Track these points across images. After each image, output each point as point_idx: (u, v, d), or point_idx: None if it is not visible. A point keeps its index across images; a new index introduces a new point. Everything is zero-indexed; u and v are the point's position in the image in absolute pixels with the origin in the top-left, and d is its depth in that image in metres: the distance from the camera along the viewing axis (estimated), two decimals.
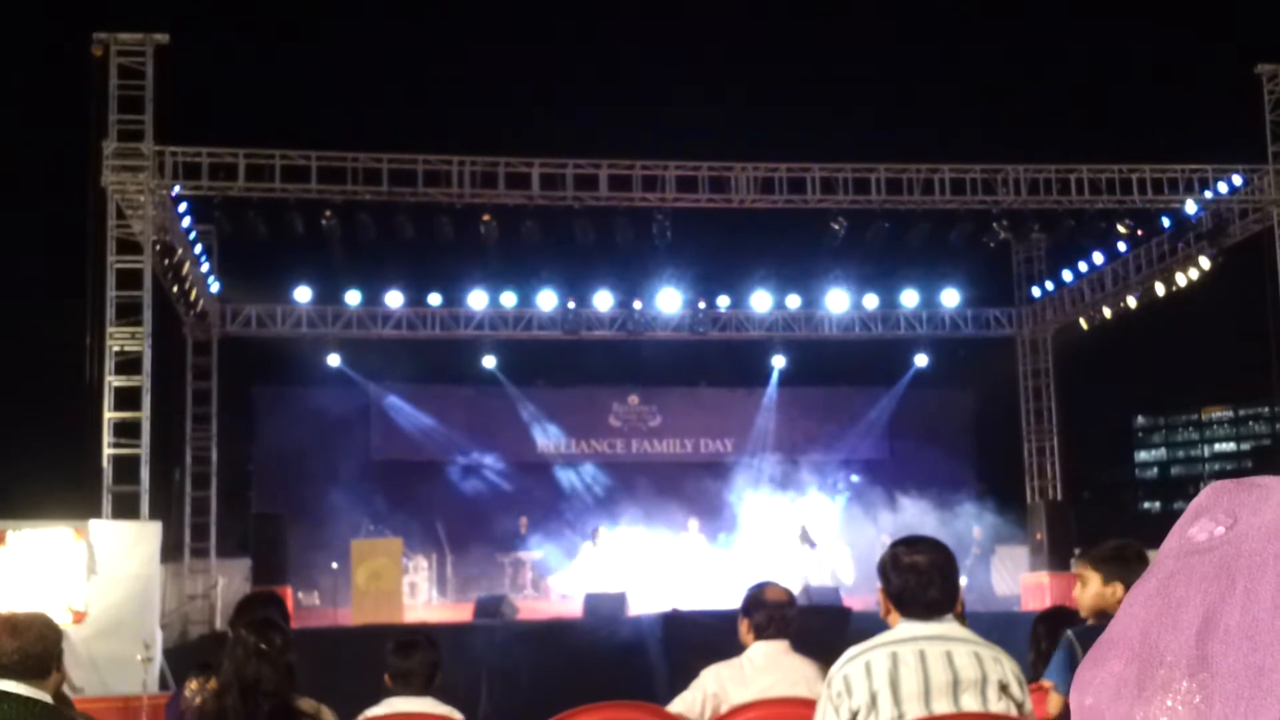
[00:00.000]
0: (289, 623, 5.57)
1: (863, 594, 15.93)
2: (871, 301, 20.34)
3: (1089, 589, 4.48)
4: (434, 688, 4.69)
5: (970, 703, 3.35)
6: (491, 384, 21.21)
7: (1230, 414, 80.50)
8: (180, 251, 16.19)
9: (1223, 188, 16.87)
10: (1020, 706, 3.42)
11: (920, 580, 3.43)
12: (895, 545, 3.57)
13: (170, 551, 15.68)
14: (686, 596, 16.42)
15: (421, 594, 18.05)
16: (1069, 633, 4.48)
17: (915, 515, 18.26)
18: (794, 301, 20.32)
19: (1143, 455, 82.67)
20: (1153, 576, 0.63)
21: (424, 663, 4.65)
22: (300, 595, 17.74)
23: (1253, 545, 0.60)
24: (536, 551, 19.01)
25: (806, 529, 17.99)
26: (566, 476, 21.65)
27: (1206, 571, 0.60)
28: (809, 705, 4.00)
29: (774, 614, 4.79)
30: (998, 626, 10.64)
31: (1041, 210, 16.94)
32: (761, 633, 4.76)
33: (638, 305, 19.82)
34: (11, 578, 12.28)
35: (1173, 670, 0.58)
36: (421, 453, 21.18)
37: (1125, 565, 4.41)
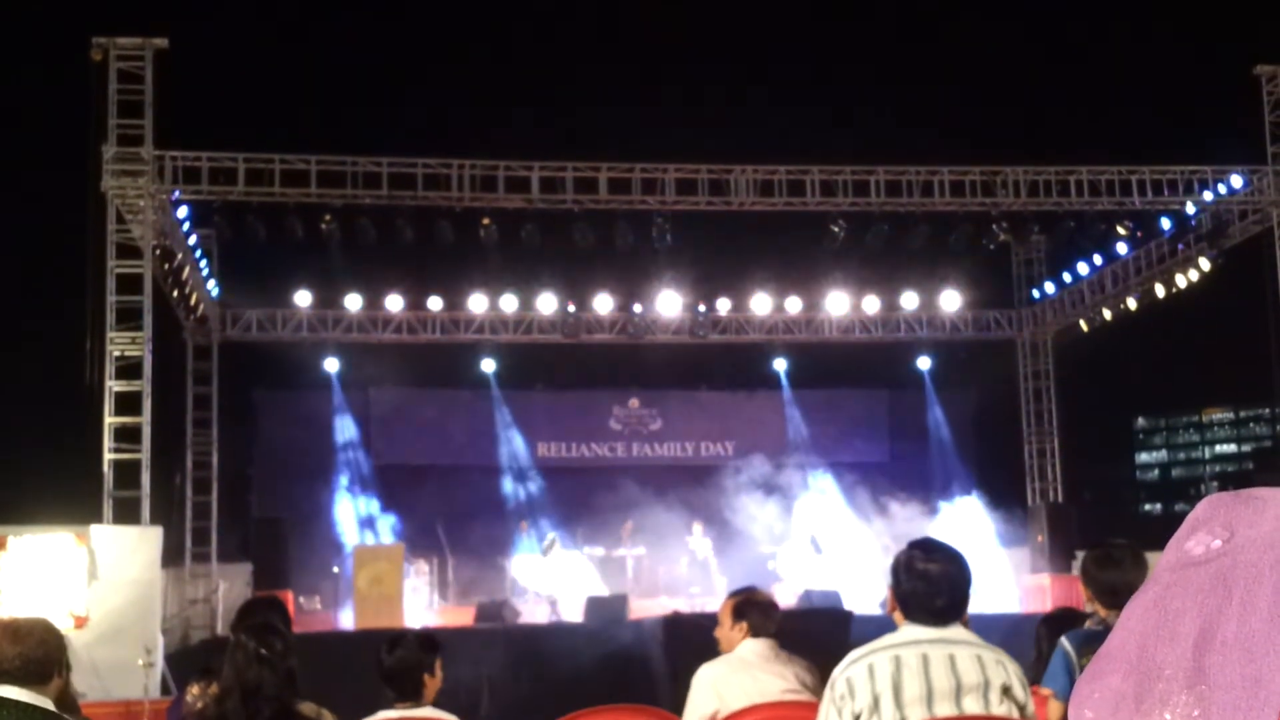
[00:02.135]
0: (290, 627, 5.58)
1: (863, 597, 15.92)
2: (872, 304, 20.30)
3: None
4: (428, 691, 4.63)
5: (972, 706, 3.35)
6: (491, 387, 21.20)
7: (1231, 415, 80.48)
8: (180, 256, 16.19)
9: (1222, 189, 16.86)
10: (1023, 709, 3.42)
11: (929, 588, 3.41)
12: (913, 547, 3.52)
13: (171, 556, 15.66)
14: (688, 599, 16.42)
15: (423, 598, 18.04)
16: (1062, 639, 4.45)
17: (916, 517, 18.24)
18: (794, 304, 20.25)
19: (1143, 457, 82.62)
20: (1150, 590, 0.63)
21: (411, 661, 4.56)
22: (301, 600, 17.73)
23: (1249, 557, 0.60)
24: (536, 554, 19.03)
25: (816, 537, 17.99)
26: (566, 479, 21.63)
27: (1203, 584, 0.60)
28: (809, 708, 4.00)
29: (769, 613, 4.90)
30: (999, 628, 10.64)
31: (1041, 212, 16.93)
32: (758, 632, 4.84)
33: (638, 308, 19.79)
34: (13, 583, 12.29)
35: (1171, 684, 0.58)
36: (422, 456, 21.17)
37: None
